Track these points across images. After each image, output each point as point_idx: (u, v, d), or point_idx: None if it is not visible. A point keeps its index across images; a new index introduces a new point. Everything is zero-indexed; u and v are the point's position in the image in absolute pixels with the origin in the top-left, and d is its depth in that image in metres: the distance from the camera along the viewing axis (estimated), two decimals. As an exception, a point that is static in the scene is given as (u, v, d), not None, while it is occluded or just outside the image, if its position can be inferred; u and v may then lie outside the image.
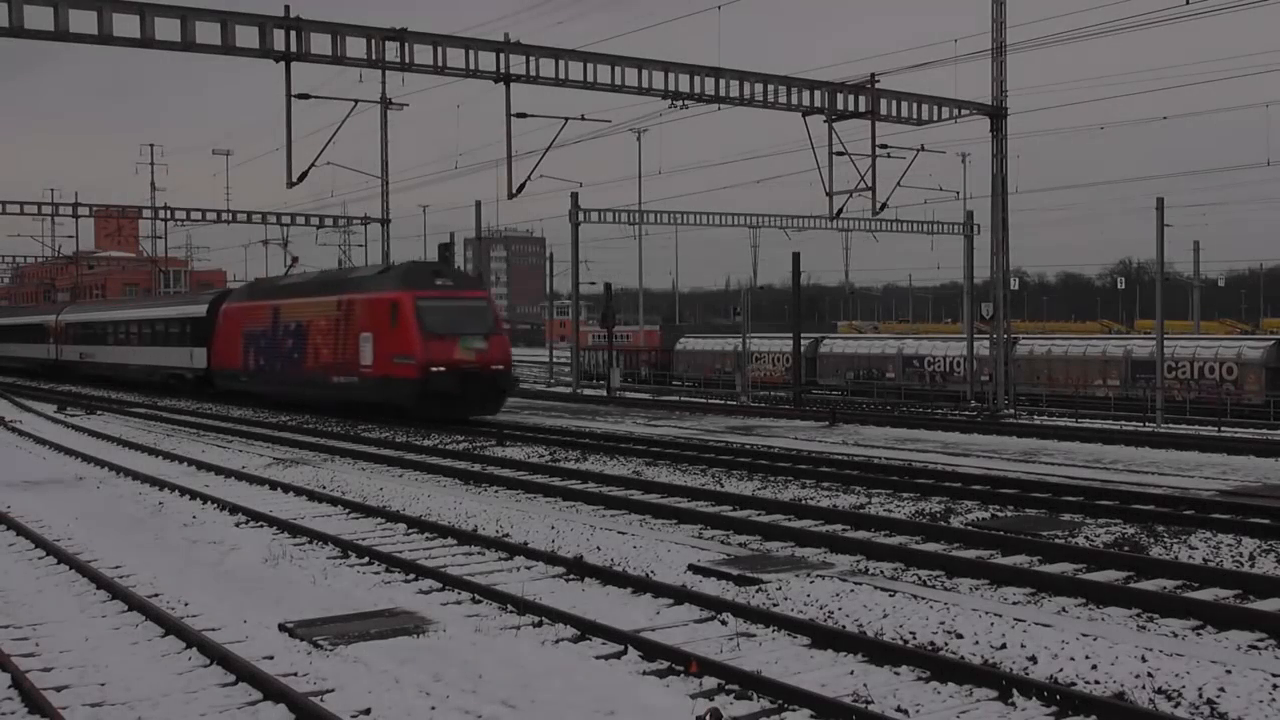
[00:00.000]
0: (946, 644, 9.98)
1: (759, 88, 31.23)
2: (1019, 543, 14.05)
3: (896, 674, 9.27)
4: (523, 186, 31.80)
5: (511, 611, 11.37)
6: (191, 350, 45.61)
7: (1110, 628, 10.41)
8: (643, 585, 12.21)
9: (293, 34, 25.29)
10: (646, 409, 38.92)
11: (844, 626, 10.60)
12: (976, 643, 9.90)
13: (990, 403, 35.71)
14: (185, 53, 24.33)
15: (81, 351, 59.55)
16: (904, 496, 17.99)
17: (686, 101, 30.15)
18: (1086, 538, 14.60)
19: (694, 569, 12.94)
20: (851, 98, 32.41)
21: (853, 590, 11.68)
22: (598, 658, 9.80)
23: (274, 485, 20.45)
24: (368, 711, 8.47)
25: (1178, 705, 8.36)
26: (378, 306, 32.93)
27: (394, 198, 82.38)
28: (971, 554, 13.77)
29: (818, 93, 31.96)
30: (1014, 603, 11.55)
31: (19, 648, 10.31)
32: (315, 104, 31.79)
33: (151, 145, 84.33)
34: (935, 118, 33.91)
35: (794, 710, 8.39)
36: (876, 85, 32.32)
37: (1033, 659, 9.41)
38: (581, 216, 58.20)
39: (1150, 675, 8.87)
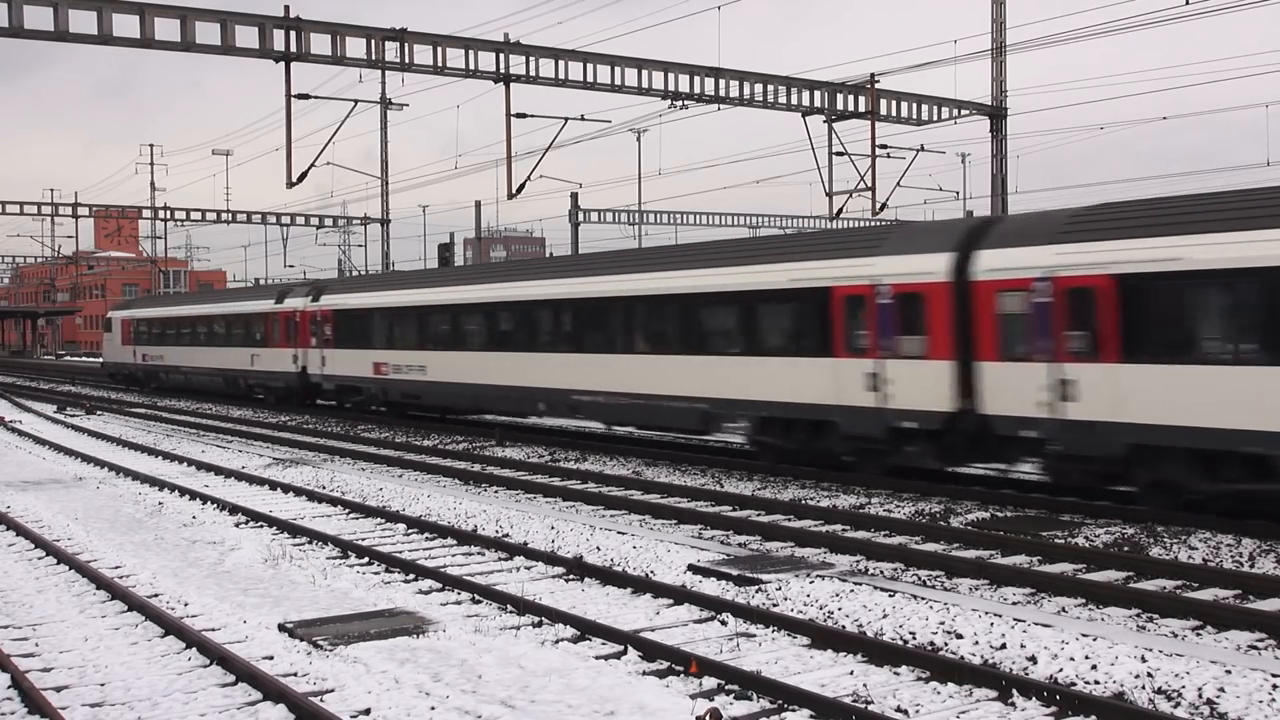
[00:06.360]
0: (946, 644, 9.97)
1: (759, 88, 31.25)
2: (1019, 543, 14.05)
3: (896, 674, 9.27)
4: (523, 186, 31.87)
5: (511, 612, 11.37)
6: None
7: (1110, 628, 10.41)
8: (643, 585, 12.21)
9: (293, 34, 25.31)
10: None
11: (844, 626, 10.60)
12: (976, 643, 9.89)
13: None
14: (185, 53, 24.36)
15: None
16: (904, 496, 17.99)
17: (686, 101, 30.18)
18: (1086, 538, 14.60)
19: (694, 569, 12.94)
20: (851, 98, 32.42)
21: (852, 590, 11.68)
22: (597, 658, 9.80)
23: (274, 485, 20.44)
24: (367, 711, 8.47)
25: (1178, 705, 8.36)
26: None
27: (394, 198, 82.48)
28: (971, 554, 13.77)
29: (818, 93, 31.98)
30: (1014, 603, 11.55)
31: (19, 648, 10.32)
32: (315, 104, 32.01)
33: (151, 145, 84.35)
34: (935, 118, 33.95)
35: (794, 710, 8.39)
36: (876, 85, 32.33)
37: (1033, 659, 9.41)
38: (581, 216, 58.21)
39: (1150, 675, 8.86)
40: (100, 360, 62.74)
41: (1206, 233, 14.25)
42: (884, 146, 34.59)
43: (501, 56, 27.87)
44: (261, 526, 16.55)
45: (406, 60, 26.86)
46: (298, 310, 36.63)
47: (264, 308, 39.07)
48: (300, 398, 37.97)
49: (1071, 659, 9.29)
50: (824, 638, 10.12)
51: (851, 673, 9.32)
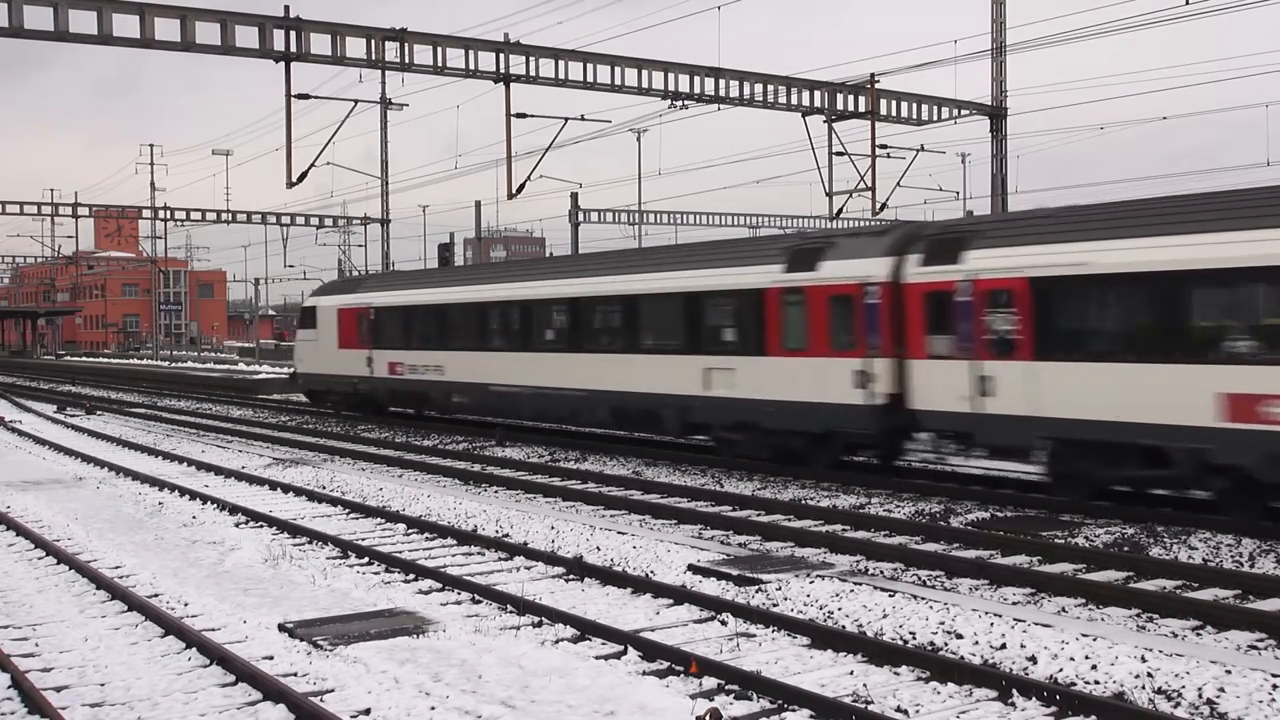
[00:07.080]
0: (946, 644, 9.97)
1: (759, 88, 31.25)
2: (1019, 543, 14.05)
3: (896, 674, 9.27)
4: (523, 186, 31.86)
5: (511, 612, 11.37)
6: None
7: (1110, 628, 10.41)
8: (643, 585, 12.21)
9: (293, 34, 25.29)
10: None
11: (844, 626, 10.60)
12: (976, 643, 9.90)
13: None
14: (185, 53, 24.36)
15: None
16: (904, 496, 17.99)
17: (686, 101, 30.17)
18: (1086, 538, 14.60)
19: (694, 569, 12.94)
20: (851, 98, 32.42)
21: (852, 590, 11.68)
22: (597, 658, 9.80)
23: (274, 485, 20.45)
24: (367, 711, 8.47)
25: (1178, 705, 8.36)
26: None
27: (394, 198, 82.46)
28: (971, 554, 13.77)
29: (818, 93, 31.98)
30: (1014, 603, 11.55)
31: (19, 648, 10.32)
32: (315, 104, 31.95)
33: (151, 145, 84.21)
34: (935, 118, 33.94)
35: (794, 710, 8.39)
36: (876, 85, 32.33)
37: (1033, 659, 9.42)
38: (581, 216, 58.18)
39: (1150, 675, 8.87)
40: (290, 370, 43.27)
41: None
42: (884, 146, 34.58)
43: (501, 56, 27.86)
44: (261, 526, 16.55)
45: (406, 60, 26.85)
46: (870, 282, 18.57)
47: (743, 281, 20.82)
48: (842, 449, 19.97)
49: (1071, 659, 9.29)
50: (824, 638, 10.12)
51: (851, 673, 9.32)
